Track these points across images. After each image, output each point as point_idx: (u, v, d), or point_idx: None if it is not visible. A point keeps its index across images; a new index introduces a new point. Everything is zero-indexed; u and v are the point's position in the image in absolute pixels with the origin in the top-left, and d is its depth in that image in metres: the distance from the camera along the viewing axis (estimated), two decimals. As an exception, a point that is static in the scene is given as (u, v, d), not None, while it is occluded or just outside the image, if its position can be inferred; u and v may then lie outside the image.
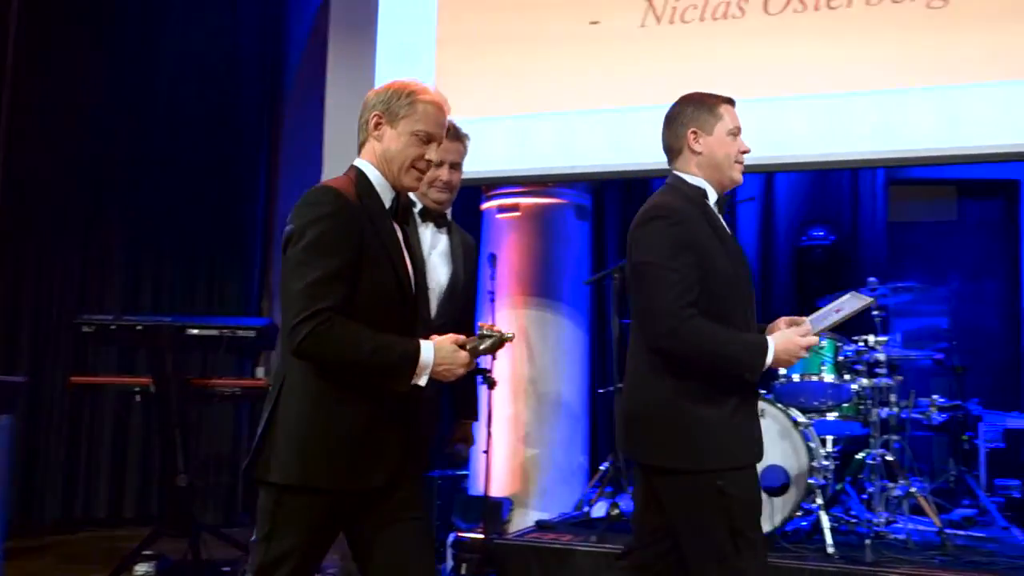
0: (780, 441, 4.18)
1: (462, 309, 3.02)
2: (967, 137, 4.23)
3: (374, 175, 2.23)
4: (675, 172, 2.58)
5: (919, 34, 4.34)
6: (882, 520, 4.24)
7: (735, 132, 2.56)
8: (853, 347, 4.42)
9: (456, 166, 3.00)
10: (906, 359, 4.73)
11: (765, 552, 2.43)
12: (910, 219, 7.26)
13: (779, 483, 4.15)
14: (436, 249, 2.98)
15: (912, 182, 7.10)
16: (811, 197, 6.68)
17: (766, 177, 6.56)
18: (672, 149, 2.59)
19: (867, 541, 3.93)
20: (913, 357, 4.79)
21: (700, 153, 2.53)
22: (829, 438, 4.50)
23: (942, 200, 7.59)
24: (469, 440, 3.29)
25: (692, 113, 2.55)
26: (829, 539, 3.97)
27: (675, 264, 2.35)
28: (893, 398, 4.50)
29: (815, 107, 4.46)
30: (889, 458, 4.38)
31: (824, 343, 4.41)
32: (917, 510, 4.48)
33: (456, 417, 3.25)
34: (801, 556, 3.92)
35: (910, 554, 3.98)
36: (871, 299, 2.60)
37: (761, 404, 3.91)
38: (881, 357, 4.35)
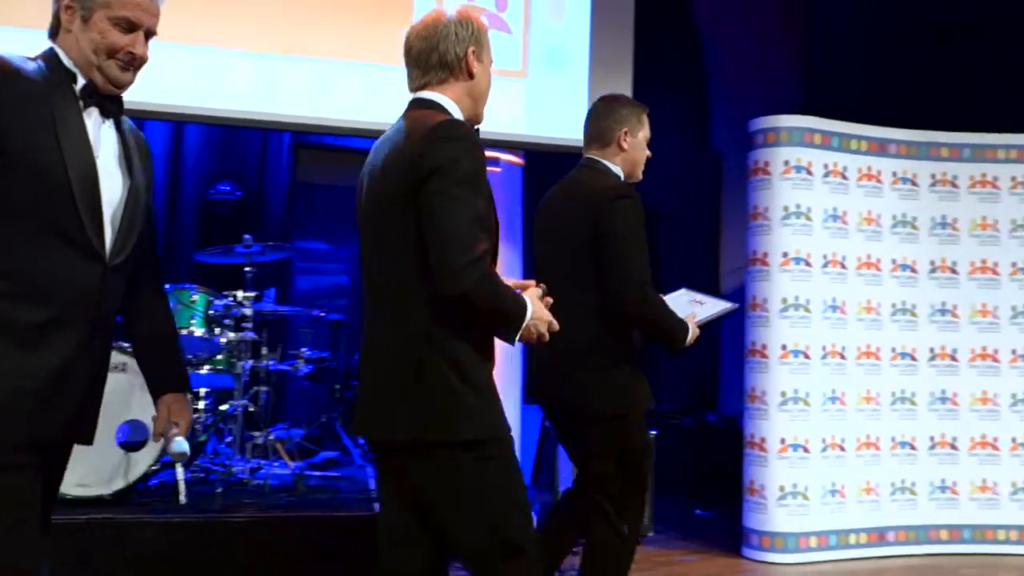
0: (141, 395, 4.13)
1: (145, 238, 2.14)
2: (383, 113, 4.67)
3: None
4: (598, 159, 3.08)
5: (350, 13, 4.69)
6: (246, 468, 4.43)
7: (647, 141, 3.13)
8: (223, 302, 4.53)
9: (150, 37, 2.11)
10: (277, 314, 4.99)
11: None
12: (321, 181, 7.66)
13: (140, 439, 4.09)
14: (106, 150, 2.06)
15: (323, 147, 7.50)
16: (221, 151, 6.71)
17: (175, 128, 6.42)
18: (601, 139, 3.08)
19: (218, 489, 4.07)
20: (283, 313, 5.07)
21: (625, 151, 3.06)
22: (202, 391, 4.57)
23: (352, 167, 8.16)
24: (182, 422, 2.20)
25: (626, 115, 3.07)
26: (182, 490, 4.02)
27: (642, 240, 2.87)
28: (264, 351, 4.73)
29: (255, 64, 4.56)
30: (252, 408, 4.59)
31: (197, 297, 4.46)
32: (291, 455, 4.78)
33: (155, 391, 2.23)
34: (152, 509, 3.91)
35: (264, 498, 4.20)
36: (733, 306, 3.28)
37: (122, 357, 3.81)
38: (248, 312, 4.52)
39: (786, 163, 5.16)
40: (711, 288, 7.00)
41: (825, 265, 5.22)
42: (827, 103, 6.00)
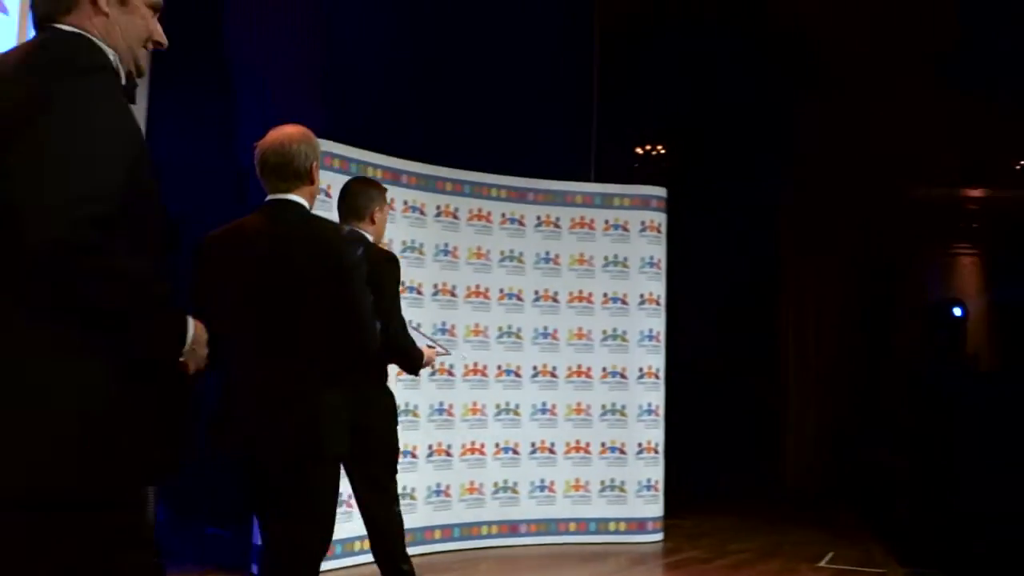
0: None
1: None
2: None
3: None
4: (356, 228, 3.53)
5: None
6: None
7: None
8: None
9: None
10: None
11: None
12: None
13: None
14: None
15: None
16: None
17: None
18: (357, 214, 3.63)
19: None
20: None
21: (375, 224, 3.70)
22: None
23: None
24: None
25: (376, 195, 3.66)
26: None
27: None
28: None
29: None
30: None
31: None
32: None
33: None
34: None
35: None
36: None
37: None
38: None
39: (305, 185, 5.32)
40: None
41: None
42: (351, 129, 6.28)
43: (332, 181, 5.42)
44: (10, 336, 1.50)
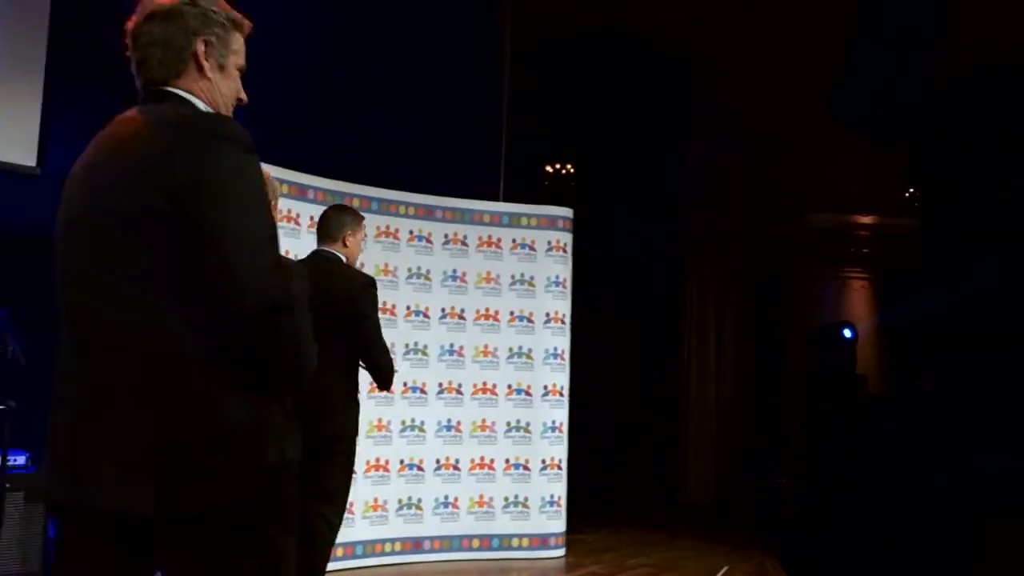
0: None
1: None
2: None
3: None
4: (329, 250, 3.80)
5: None
6: None
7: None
8: None
9: None
10: None
11: None
12: None
13: None
14: None
15: None
16: None
17: None
18: (331, 237, 4.11)
19: None
20: None
21: (348, 247, 4.11)
22: None
23: None
24: None
25: (350, 221, 4.11)
26: None
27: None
28: None
29: None
30: None
31: None
32: None
33: None
34: None
35: None
36: None
37: None
38: None
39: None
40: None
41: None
42: (259, 143, 6.21)
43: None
44: (215, 380, 1.77)
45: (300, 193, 5.75)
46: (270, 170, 5.50)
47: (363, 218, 4.25)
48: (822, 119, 8.68)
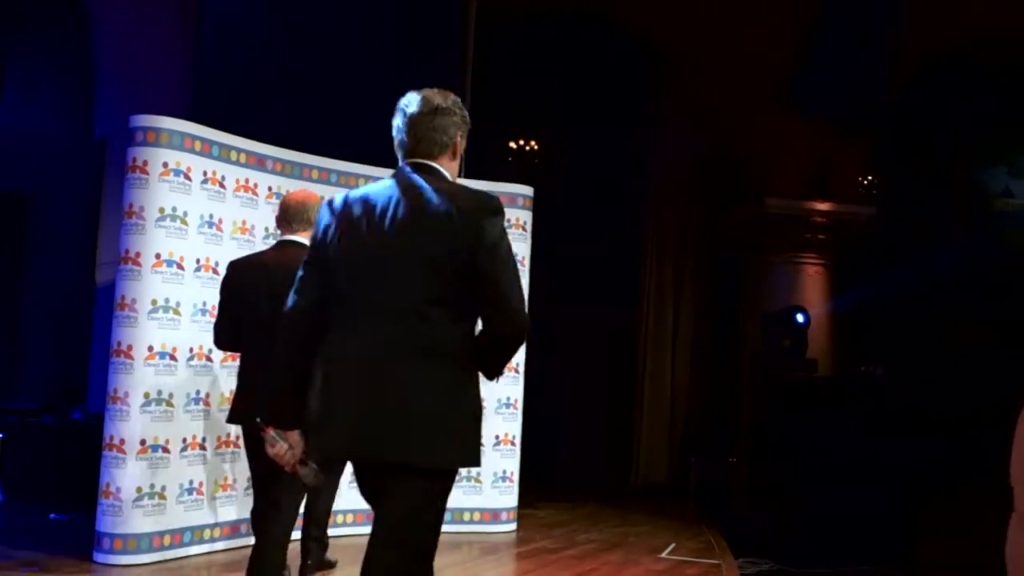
0: None
1: None
2: None
3: None
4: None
5: None
6: None
7: None
8: None
9: None
10: None
11: None
12: None
13: None
14: None
15: None
16: None
17: None
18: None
19: None
20: None
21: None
22: None
23: None
24: None
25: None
26: None
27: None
28: None
29: None
30: None
31: None
32: None
33: None
34: None
35: None
36: None
37: None
38: None
39: (165, 165, 5.19)
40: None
41: (198, 269, 5.36)
42: (215, 111, 6.16)
43: (193, 164, 5.33)
44: (467, 373, 2.57)
45: (258, 163, 5.72)
46: (225, 138, 5.50)
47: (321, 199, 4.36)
48: (781, 104, 8.75)
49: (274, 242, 4.27)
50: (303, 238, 3.83)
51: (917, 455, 6.90)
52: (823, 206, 9.16)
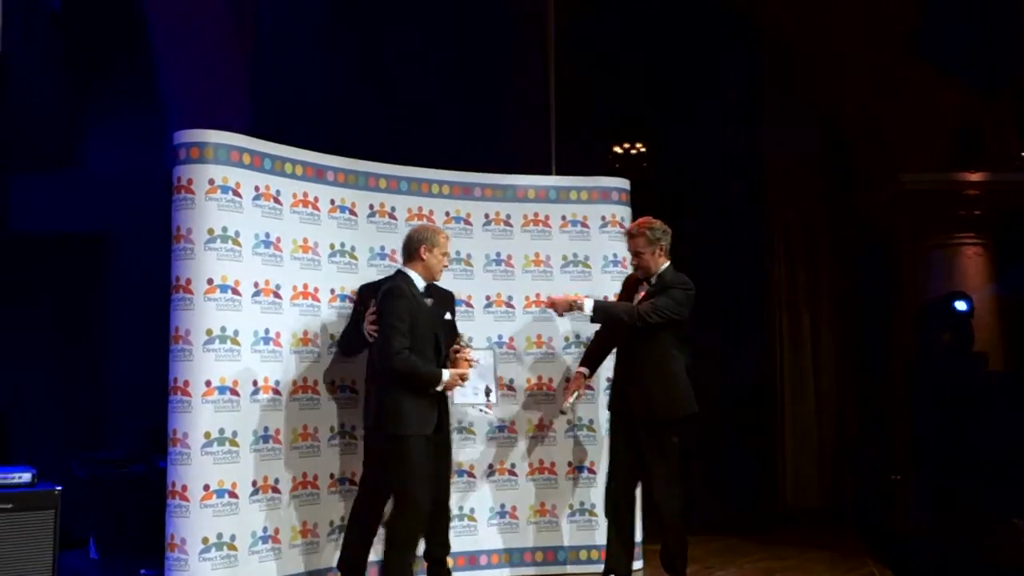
0: None
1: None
2: None
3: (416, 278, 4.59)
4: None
5: None
6: None
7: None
8: None
9: None
10: None
11: None
12: None
13: None
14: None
15: None
16: None
17: None
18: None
19: None
20: None
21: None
22: None
23: None
24: None
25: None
26: None
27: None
28: None
29: None
30: None
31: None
32: None
33: None
34: None
35: None
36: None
37: None
38: None
39: (211, 182, 4.76)
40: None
41: (256, 294, 4.89)
42: (277, 127, 5.77)
43: (242, 179, 4.88)
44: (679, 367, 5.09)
45: (317, 175, 5.25)
46: (276, 150, 5.02)
47: (440, 232, 4.75)
48: (905, 66, 7.64)
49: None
50: None
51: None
52: (974, 176, 7.95)
